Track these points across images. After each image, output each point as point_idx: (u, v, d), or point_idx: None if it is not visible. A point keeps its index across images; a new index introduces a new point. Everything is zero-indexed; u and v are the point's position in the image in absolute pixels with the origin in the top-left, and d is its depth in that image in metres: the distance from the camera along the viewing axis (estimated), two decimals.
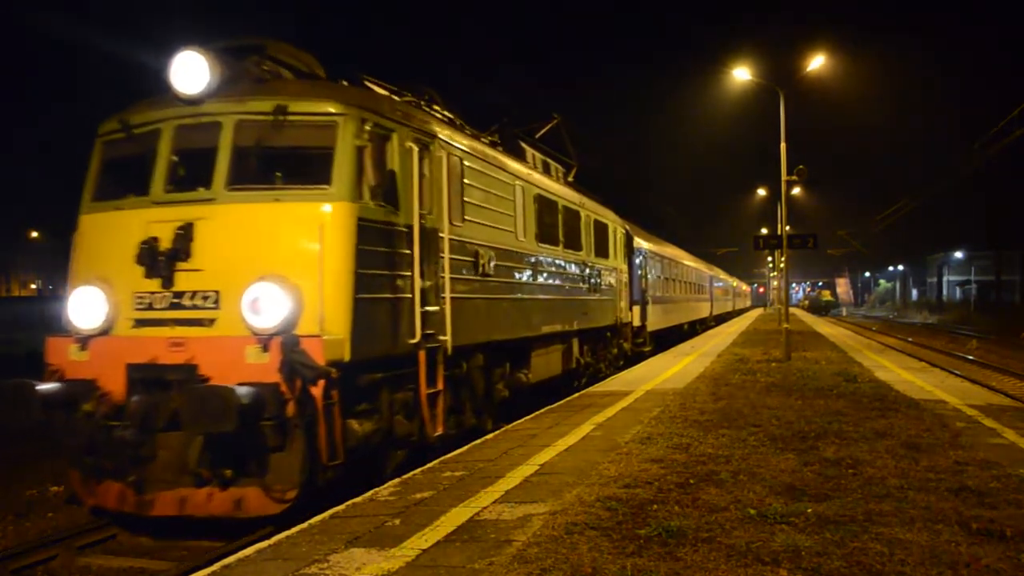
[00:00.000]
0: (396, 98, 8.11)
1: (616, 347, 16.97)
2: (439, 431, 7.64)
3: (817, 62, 19.25)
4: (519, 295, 10.33)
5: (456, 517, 5.23)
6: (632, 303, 18.34)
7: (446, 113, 9.42)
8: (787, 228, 19.46)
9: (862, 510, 5.13)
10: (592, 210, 15.01)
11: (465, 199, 8.58)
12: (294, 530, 5.18)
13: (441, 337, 7.64)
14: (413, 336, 7.10)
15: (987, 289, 71.78)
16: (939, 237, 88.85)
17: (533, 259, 10.98)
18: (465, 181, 8.59)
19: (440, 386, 7.63)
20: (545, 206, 11.77)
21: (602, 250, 15.48)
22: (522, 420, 9.72)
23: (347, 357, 6.14)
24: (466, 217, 8.55)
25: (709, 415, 9.24)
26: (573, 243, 13.27)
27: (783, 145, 18.85)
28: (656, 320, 21.86)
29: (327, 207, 6.33)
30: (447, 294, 7.80)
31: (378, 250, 6.71)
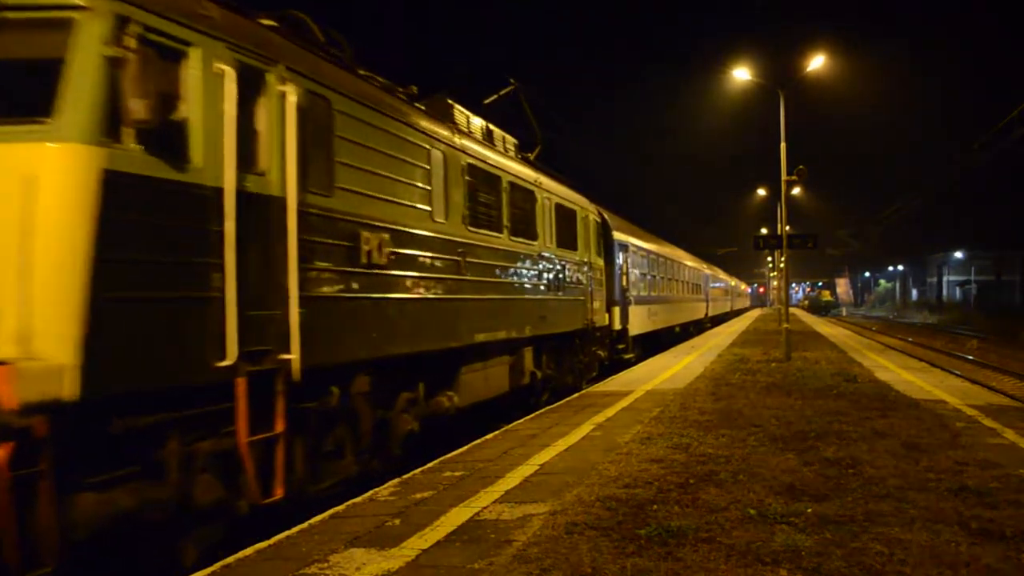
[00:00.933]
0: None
1: (588, 355, 14.72)
2: (277, 494, 5.34)
3: (817, 62, 19.26)
4: (436, 294, 7.90)
5: (456, 517, 5.23)
6: (611, 304, 16.49)
7: (335, 53, 7.00)
8: (787, 228, 19.45)
9: (862, 510, 5.13)
10: (554, 192, 12.51)
11: (339, 160, 6.23)
12: (294, 530, 5.18)
13: (283, 356, 5.34)
14: (222, 356, 4.82)
15: (987, 289, 71.81)
16: (939, 237, 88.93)
17: (461, 248, 8.53)
18: (339, 135, 6.26)
19: (280, 427, 5.34)
20: (482, 182, 9.41)
21: (567, 241, 13.06)
22: (522, 420, 9.72)
23: (76, 394, 3.94)
24: (339, 185, 6.17)
25: (709, 415, 9.24)
26: (524, 230, 10.84)
27: (783, 145, 18.87)
28: (641, 323, 19.66)
29: (48, 149, 4.08)
30: (294, 292, 5.45)
31: (150, 222, 4.47)
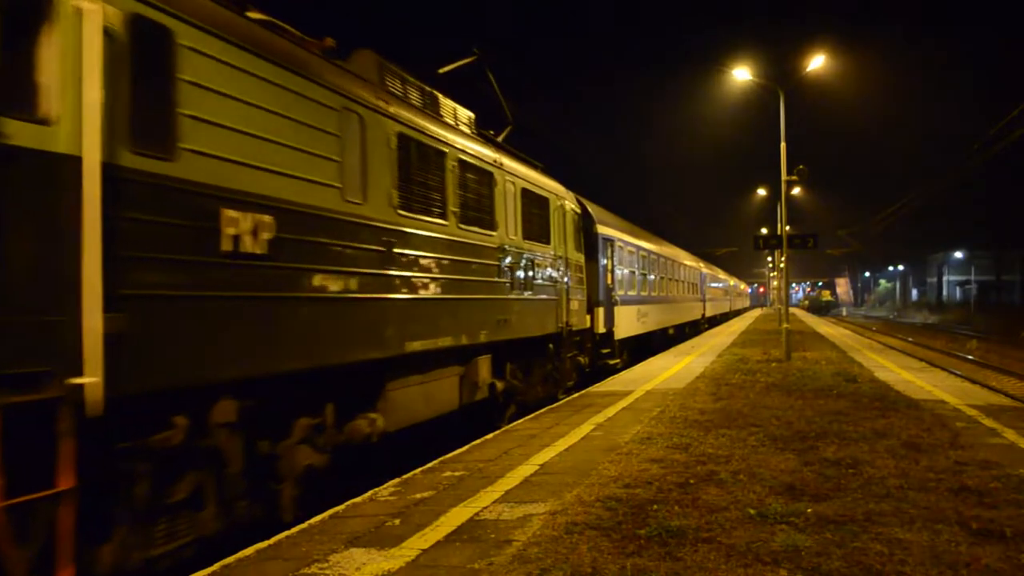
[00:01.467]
0: None
1: (564, 362, 12.91)
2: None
3: (817, 62, 19.26)
4: (348, 293, 6.29)
5: (456, 517, 5.23)
6: (594, 305, 14.98)
7: None
8: (787, 228, 19.45)
9: (862, 510, 5.13)
10: (520, 176, 10.82)
11: (186, 112, 4.72)
12: (294, 530, 5.18)
13: (72, 380, 3.82)
14: None
15: (987, 289, 71.88)
16: (939, 237, 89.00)
17: (387, 236, 6.94)
18: (188, 79, 4.74)
19: (65, 482, 3.77)
20: (420, 157, 7.76)
21: (537, 233, 11.38)
22: (522, 420, 9.71)
23: None
24: (187, 146, 4.68)
25: (709, 415, 9.24)
26: (479, 219, 9.19)
27: (783, 145, 18.87)
28: (629, 326, 17.90)
29: None
30: (95, 289, 3.94)
31: None
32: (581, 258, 14.00)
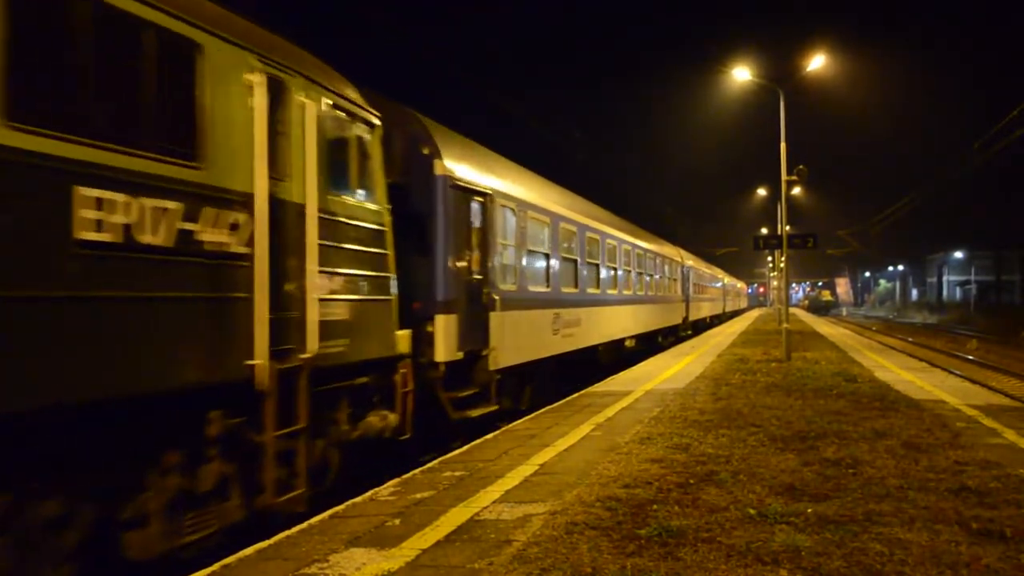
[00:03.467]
0: None
1: (268, 450, 5.46)
2: None
3: (817, 62, 19.26)
4: None
5: (456, 517, 5.23)
6: (432, 306, 8.52)
7: None
8: (787, 228, 19.46)
9: (862, 510, 5.13)
10: None
11: None
12: (294, 530, 5.18)
13: None
14: None
15: (987, 289, 71.91)
16: (939, 237, 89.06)
17: None
18: None
19: None
20: None
21: (178, 140, 4.72)
22: (521, 420, 9.71)
23: None
24: None
25: (709, 415, 9.24)
26: None
27: (783, 145, 18.86)
28: (527, 344, 11.18)
29: None
30: None
31: None
32: (381, 216, 7.17)
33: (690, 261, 32.14)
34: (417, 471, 6.84)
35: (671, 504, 5.34)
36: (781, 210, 22.64)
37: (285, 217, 5.69)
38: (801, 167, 18.74)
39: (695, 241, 54.61)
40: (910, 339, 35.42)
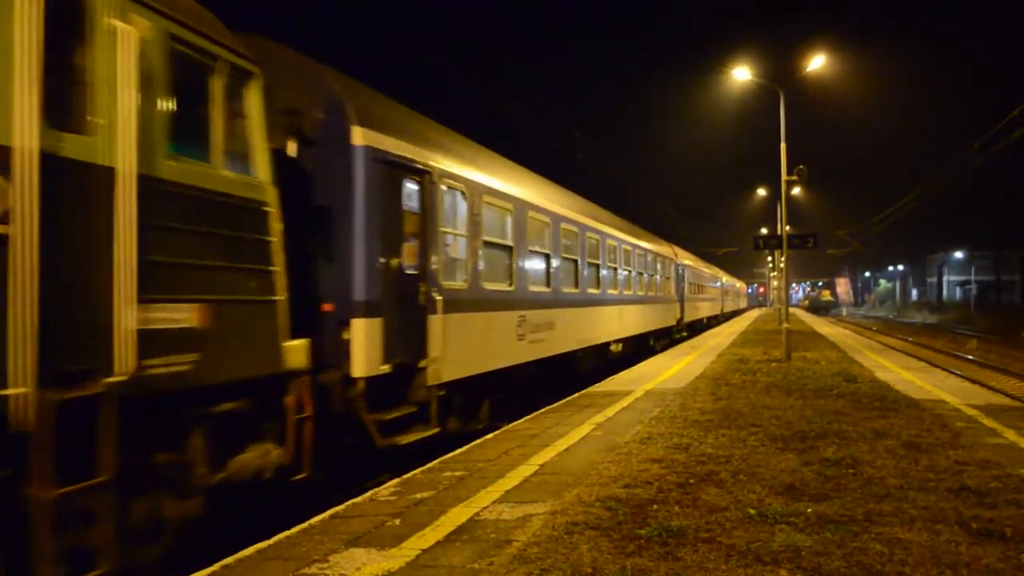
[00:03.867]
0: None
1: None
2: None
3: (817, 62, 19.26)
4: None
5: (456, 517, 5.23)
6: (348, 310, 6.97)
7: None
8: (787, 228, 19.46)
9: (862, 510, 5.13)
10: None
11: None
12: (294, 530, 5.17)
13: None
14: None
15: (987, 289, 71.91)
16: (939, 237, 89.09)
17: None
18: None
19: None
20: None
21: None
22: (522, 420, 9.71)
23: None
24: None
25: (709, 415, 9.24)
26: None
27: (783, 145, 18.86)
28: (473, 351, 9.16)
29: None
30: None
31: None
32: (261, 192, 5.64)
33: (686, 259, 30.59)
34: (417, 471, 6.84)
35: (671, 504, 5.34)
36: (781, 210, 22.64)
37: (80, 184, 4.12)
38: (801, 167, 18.73)
39: (695, 241, 54.51)
40: (910, 339, 35.43)
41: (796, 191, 35.50)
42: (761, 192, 49.39)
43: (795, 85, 20.08)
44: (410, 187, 7.90)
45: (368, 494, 6.07)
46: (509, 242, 10.82)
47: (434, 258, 8.21)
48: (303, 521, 5.34)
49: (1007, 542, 4.46)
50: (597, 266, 15.71)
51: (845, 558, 4.22)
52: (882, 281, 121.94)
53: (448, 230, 8.81)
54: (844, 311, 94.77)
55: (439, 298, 8.21)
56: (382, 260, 7.31)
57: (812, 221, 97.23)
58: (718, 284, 45.78)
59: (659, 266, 23.62)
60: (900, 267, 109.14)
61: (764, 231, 44.57)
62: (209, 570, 4.42)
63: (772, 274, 63.94)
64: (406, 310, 7.66)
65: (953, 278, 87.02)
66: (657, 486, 5.84)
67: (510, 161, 12.40)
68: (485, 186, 9.87)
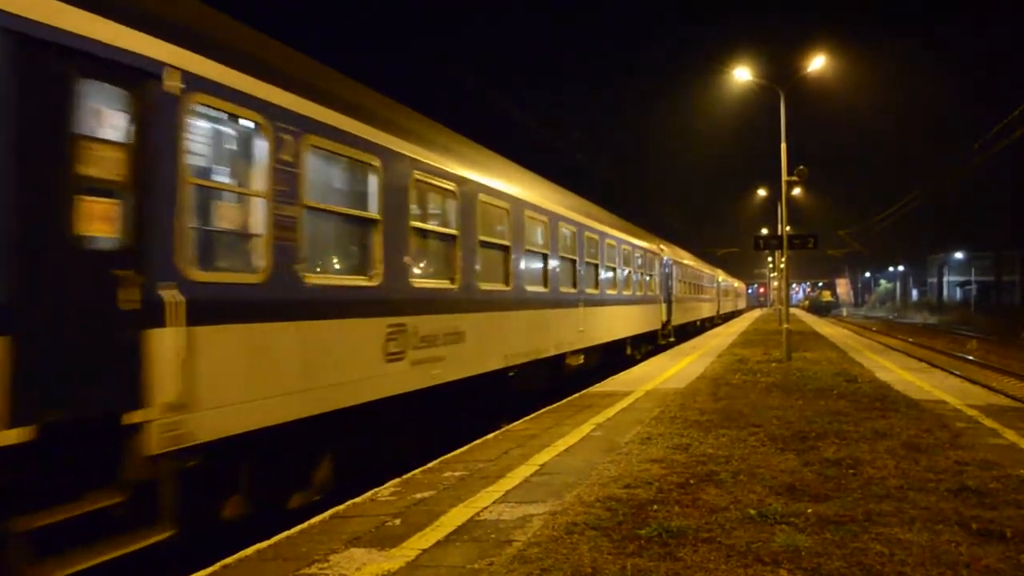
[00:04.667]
0: None
1: None
2: None
3: (817, 62, 19.25)
4: None
5: (456, 517, 5.23)
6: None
7: None
8: (787, 228, 19.45)
9: (862, 510, 5.13)
10: None
11: None
12: (294, 530, 5.17)
13: None
14: None
15: (987, 289, 71.92)
16: (939, 237, 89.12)
17: None
18: None
19: None
20: None
21: None
22: (521, 421, 9.71)
23: None
24: None
25: (709, 415, 9.24)
26: None
27: (783, 145, 18.86)
28: (270, 384, 5.50)
29: None
30: None
31: None
32: None
33: (674, 255, 27.03)
34: (417, 471, 6.84)
35: (671, 504, 5.34)
36: (781, 210, 22.63)
37: None
38: (801, 167, 18.75)
39: (695, 241, 54.47)
40: (910, 339, 35.43)
41: (796, 191, 35.50)
42: (761, 192, 49.40)
43: (795, 85, 20.04)
44: (108, 97, 4.54)
45: (368, 494, 6.07)
46: (374, 214, 7.03)
47: (168, 227, 4.76)
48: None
49: (1007, 542, 4.46)
50: (545, 255, 12.27)
51: (845, 558, 4.21)
52: (882, 281, 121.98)
53: (214, 182, 5.59)
54: (844, 311, 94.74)
55: (174, 299, 4.72)
56: (26, 225, 3.98)
57: (812, 221, 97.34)
58: (714, 284, 42.82)
59: (640, 261, 20.57)
60: (900, 267, 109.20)
61: (764, 231, 44.56)
62: (209, 570, 4.42)
63: (772, 274, 63.93)
64: (89, 320, 4.29)
65: (953, 278, 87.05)
66: (657, 486, 5.84)
67: (420, 114, 8.69)
68: (311, 119, 6.14)
